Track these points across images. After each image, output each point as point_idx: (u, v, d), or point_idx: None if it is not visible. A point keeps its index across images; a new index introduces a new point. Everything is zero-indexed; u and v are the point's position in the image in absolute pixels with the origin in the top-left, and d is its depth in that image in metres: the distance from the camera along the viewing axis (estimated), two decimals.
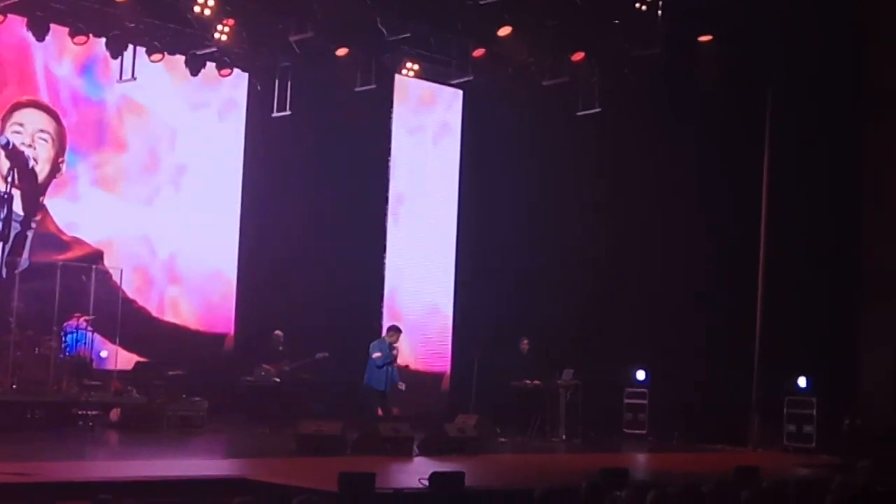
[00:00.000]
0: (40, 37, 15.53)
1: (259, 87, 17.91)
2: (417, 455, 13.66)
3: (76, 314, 15.68)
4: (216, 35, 15.92)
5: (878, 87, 16.38)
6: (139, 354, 16.79)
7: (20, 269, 16.01)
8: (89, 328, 15.78)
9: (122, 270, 16.74)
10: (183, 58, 16.67)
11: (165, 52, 16.42)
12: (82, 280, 16.06)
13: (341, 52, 16.71)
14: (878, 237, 16.37)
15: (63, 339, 15.50)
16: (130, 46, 16.23)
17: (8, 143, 16.17)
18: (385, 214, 19.40)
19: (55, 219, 16.84)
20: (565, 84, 17.48)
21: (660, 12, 15.87)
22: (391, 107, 19.33)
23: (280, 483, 9.96)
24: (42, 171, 16.73)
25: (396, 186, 19.55)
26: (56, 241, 16.74)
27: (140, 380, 16.03)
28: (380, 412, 15.23)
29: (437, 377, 19.17)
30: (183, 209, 17.88)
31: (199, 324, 18.09)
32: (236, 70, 17.31)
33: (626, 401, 18.15)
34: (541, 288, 18.87)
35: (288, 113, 17.60)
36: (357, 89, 17.29)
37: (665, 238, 17.88)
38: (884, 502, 7.11)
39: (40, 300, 15.48)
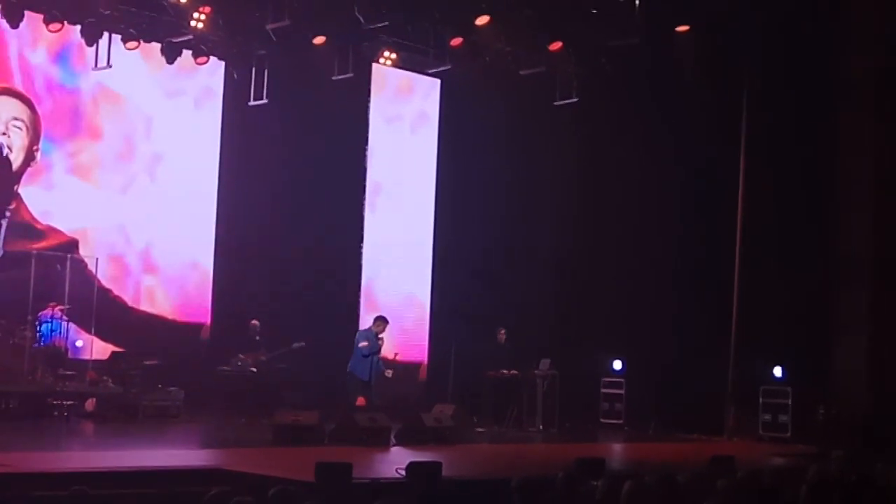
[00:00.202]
0: (14, 23, 15.37)
1: (236, 76, 17.81)
2: (394, 445, 13.67)
3: (51, 303, 15.59)
4: (192, 23, 15.83)
5: (850, 77, 16.46)
6: (115, 344, 16.71)
7: None
8: (64, 318, 15.69)
9: (97, 259, 16.65)
10: (159, 45, 16.55)
11: (141, 40, 16.29)
12: (57, 269, 15.96)
13: (318, 40, 16.64)
14: (852, 226, 16.47)
15: (38, 328, 15.40)
16: (106, 34, 16.09)
17: None
18: (362, 204, 19.35)
19: (29, 207, 16.71)
20: (543, 74, 17.49)
21: (637, 2, 15.87)
22: (368, 96, 19.27)
23: (256, 473, 9.94)
24: (16, 159, 16.60)
25: (374, 176, 19.51)
26: (30, 229, 16.62)
27: (116, 370, 15.95)
28: (361, 401, 15.25)
29: (414, 367, 19.15)
30: (159, 198, 17.78)
31: (175, 313, 18.02)
32: (213, 58, 17.19)
33: (603, 391, 18.21)
34: (518, 278, 18.89)
35: (265, 101, 17.52)
36: (334, 78, 17.23)
37: (641, 228, 17.93)
38: (858, 491, 7.15)
39: (14, 289, 15.38)
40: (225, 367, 16.47)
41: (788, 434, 16.29)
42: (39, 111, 16.82)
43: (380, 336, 15.56)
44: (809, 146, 16.62)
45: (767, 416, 16.58)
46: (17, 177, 16.65)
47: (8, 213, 16.43)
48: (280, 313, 17.36)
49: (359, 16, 15.98)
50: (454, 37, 16.98)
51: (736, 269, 17.15)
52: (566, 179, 18.72)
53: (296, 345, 16.49)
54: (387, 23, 16.34)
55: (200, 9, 15.64)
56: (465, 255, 19.39)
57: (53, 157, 17.01)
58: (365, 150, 19.38)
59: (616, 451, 15.39)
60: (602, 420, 18.01)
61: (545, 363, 17.14)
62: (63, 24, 15.55)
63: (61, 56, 16.93)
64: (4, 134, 16.42)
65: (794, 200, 16.67)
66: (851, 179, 16.52)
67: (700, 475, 7.63)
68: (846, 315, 16.37)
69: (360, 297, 19.14)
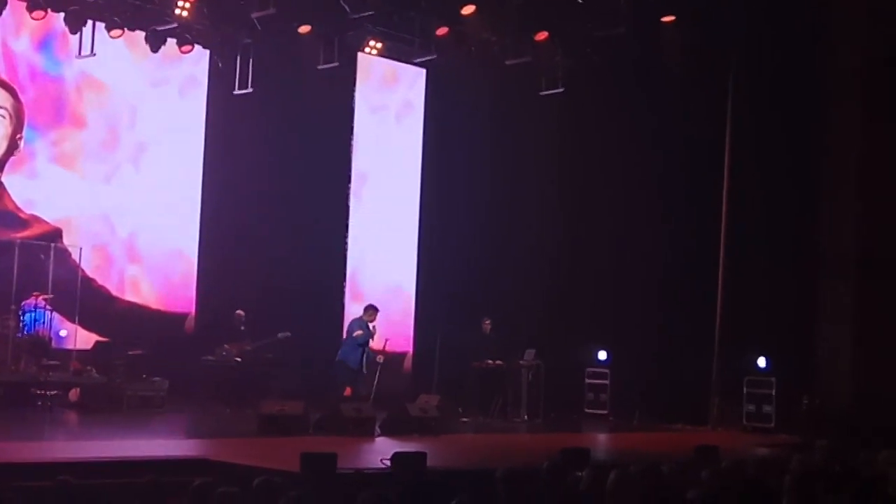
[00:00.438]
0: None
1: (220, 65, 17.73)
2: (379, 435, 13.66)
3: (34, 293, 15.52)
4: (177, 11, 15.76)
5: (837, 68, 16.49)
6: (99, 334, 16.66)
7: None
8: (48, 307, 15.62)
9: (81, 249, 16.58)
10: (143, 34, 16.46)
11: (125, 28, 16.18)
12: (41, 258, 15.89)
13: (304, 29, 16.59)
14: (837, 217, 16.52)
15: (21, 318, 15.33)
16: (90, 21, 16.00)
17: None
18: (347, 193, 19.32)
19: (13, 196, 16.62)
20: (528, 64, 17.47)
21: None
22: (354, 85, 19.23)
23: (241, 463, 9.92)
24: None
25: (359, 165, 19.48)
26: (14, 218, 16.53)
27: (100, 359, 15.90)
28: (349, 391, 15.27)
29: (399, 357, 19.14)
30: (143, 187, 17.70)
31: (159, 303, 17.96)
32: (197, 47, 17.11)
33: (588, 381, 18.23)
34: (503, 268, 18.90)
35: (250, 90, 17.46)
36: (320, 67, 17.18)
37: (627, 219, 17.95)
38: (842, 481, 7.18)
39: None
40: (210, 357, 16.43)
41: (772, 424, 16.35)
42: (23, 99, 16.73)
43: (372, 324, 15.60)
44: (795, 138, 16.65)
45: (751, 407, 16.63)
46: (0, 165, 16.56)
47: None
48: (265, 303, 17.32)
49: (344, 5, 15.95)
50: (440, 26, 16.96)
51: (721, 260, 17.19)
52: (552, 170, 18.72)
53: (281, 335, 16.46)
54: (372, 12, 16.30)
55: None
56: (450, 246, 19.38)
57: (37, 146, 16.92)
58: (350, 139, 19.35)
59: (601, 442, 15.42)
60: (587, 410, 18.04)
61: (530, 353, 17.17)
62: (46, 11, 15.45)
63: (45, 44, 16.83)
64: None
65: (779, 192, 16.71)
66: (837, 172, 16.57)
67: (684, 465, 7.66)
68: (830, 306, 16.43)
69: (345, 287, 19.12)
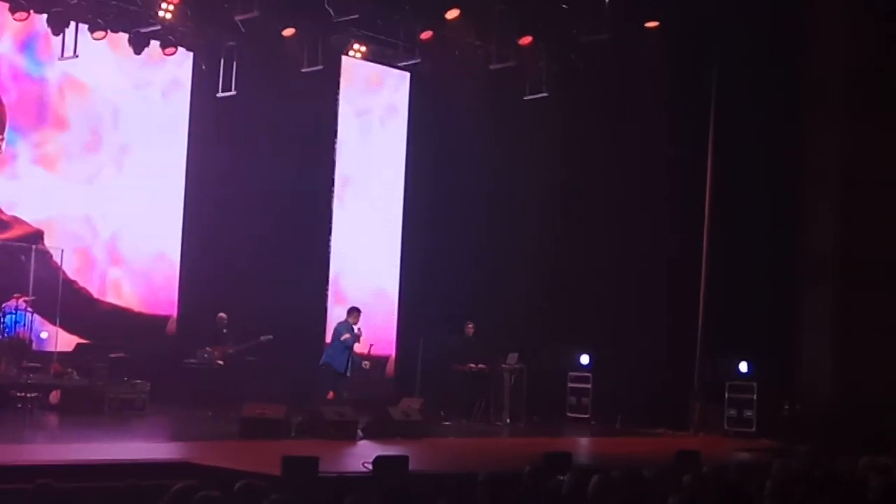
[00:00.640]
0: None
1: (204, 67, 17.69)
2: (361, 439, 13.65)
3: (15, 295, 15.44)
4: (160, 13, 15.71)
5: (817, 74, 16.57)
6: (80, 336, 16.59)
7: None
8: (29, 309, 15.55)
9: (62, 251, 16.51)
10: (126, 36, 16.40)
11: (108, 30, 16.12)
12: (21, 260, 15.82)
13: (288, 32, 16.57)
14: (818, 222, 16.60)
15: (2, 320, 15.26)
16: (73, 23, 15.92)
17: None
18: (331, 196, 19.29)
19: None
20: (512, 68, 17.50)
21: None
22: (338, 88, 19.23)
23: (223, 467, 9.90)
24: None
25: (343, 168, 19.46)
26: None
27: (81, 362, 15.83)
28: (332, 395, 15.26)
29: (381, 360, 19.13)
30: (125, 189, 17.63)
31: (141, 305, 17.90)
32: (181, 49, 17.06)
33: (570, 385, 18.27)
34: (486, 272, 18.92)
35: (233, 93, 17.42)
36: (303, 70, 17.17)
37: (609, 223, 18.00)
38: (822, 487, 7.21)
39: None
40: (191, 360, 16.37)
41: (753, 429, 16.40)
42: (5, 101, 16.65)
43: (356, 326, 15.60)
44: (776, 143, 16.73)
45: (733, 412, 16.69)
46: None
47: None
48: (247, 306, 17.26)
49: (328, 8, 15.94)
50: (424, 30, 16.97)
51: (703, 265, 17.24)
52: (534, 174, 18.75)
53: (263, 338, 16.42)
54: (356, 15, 16.30)
55: None
56: (433, 249, 19.39)
57: (19, 148, 16.84)
58: (334, 142, 19.33)
59: (583, 446, 15.44)
60: (569, 414, 18.07)
61: (513, 357, 17.18)
62: (29, 13, 15.39)
63: (27, 45, 16.76)
64: None
65: (761, 197, 16.78)
66: (818, 176, 16.65)
67: (666, 470, 7.68)
68: (812, 311, 16.51)
69: (327, 291, 19.10)
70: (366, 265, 19.58)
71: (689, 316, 17.12)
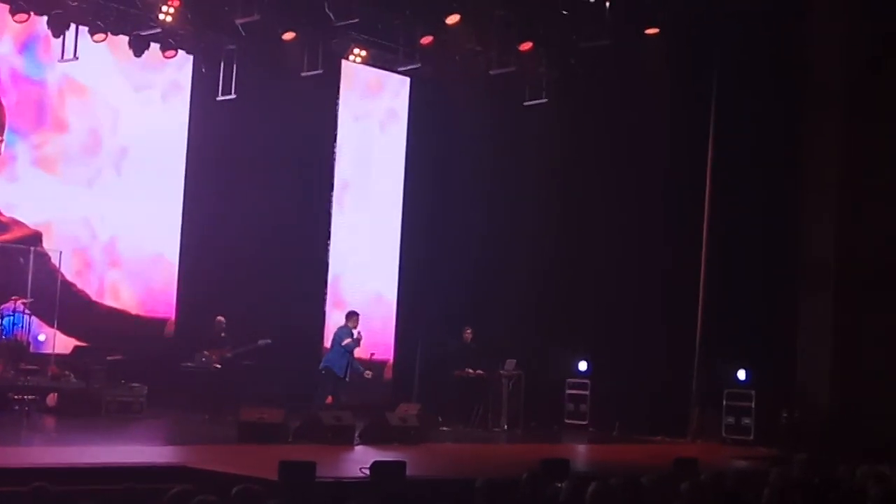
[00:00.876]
0: None
1: (204, 70, 17.70)
2: (359, 444, 13.63)
3: (13, 297, 15.43)
4: (161, 16, 15.70)
5: (817, 82, 16.57)
6: (78, 339, 16.57)
7: None
8: (27, 311, 15.54)
9: (60, 253, 16.50)
10: (126, 38, 16.40)
11: (109, 32, 16.11)
12: (20, 262, 15.81)
13: (288, 36, 16.57)
14: (817, 230, 16.58)
15: None
16: (73, 25, 15.91)
17: None
18: (330, 201, 19.28)
19: None
20: (513, 74, 17.50)
21: (608, 5, 15.93)
22: (338, 92, 19.22)
23: (220, 471, 9.88)
24: None
25: (342, 173, 19.45)
26: None
27: (78, 364, 15.81)
28: (330, 399, 15.25)
29: (379, 365, 19.11)
30: (125, 192, 17.62)
31: (139, 308, 17.88)
32: (181, 52, 17.07)
33: (568, 391, 18.24)
34: (485, 277, 18.91)
35: (233, 97, 17.42)
36: (303, 74, 17.17)
37: (608, 230, 17.98)
38: (820, 495, 7.20)
39: None
40: (189, 364, 16.34)
41: (751, 437, 16.37)
42: (4, 102, 16.64)
43: (356, 330, 15.61)
44: (776, 150, 16.72)
45: (731, 419, 16.66)
46: None
47: None
48: (246, 310, 17.24)
49: (329, 12, 15.93)
50: (424, 35, 16.96)
51: (702, 272, 17.22)
52: (534, 180, 18.75)
53: (261, 342, 16.39)
54: (357, 20, 16.29)
55: (169, 2, 15.51)
56: (431, 255, 19.38)
57: (18, 149, 16.83)
58: (333, 147, 19.33)
59: (580, 453, 15.42)
60: (567, 421, 18.04)
61: (511, 363, 17.16)
62: (29, 14, 15.38)
63: (27, 47, 16.76)
64: None
65: (760, 204, 16.77)
66: (817, 184, 16.63)
67: (664, 477, 7.66)
68: (810, 319, 16.48)
69: (326, 295, 19.08)
70: (364, 270, 19.56)
71: (687, 323, 17.11)
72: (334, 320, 17.67)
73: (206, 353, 16.32)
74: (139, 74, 17.63)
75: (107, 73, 17.36)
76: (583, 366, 18.29)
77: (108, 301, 17.62)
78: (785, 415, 16.09)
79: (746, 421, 16.51)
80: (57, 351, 16.12)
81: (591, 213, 18.25)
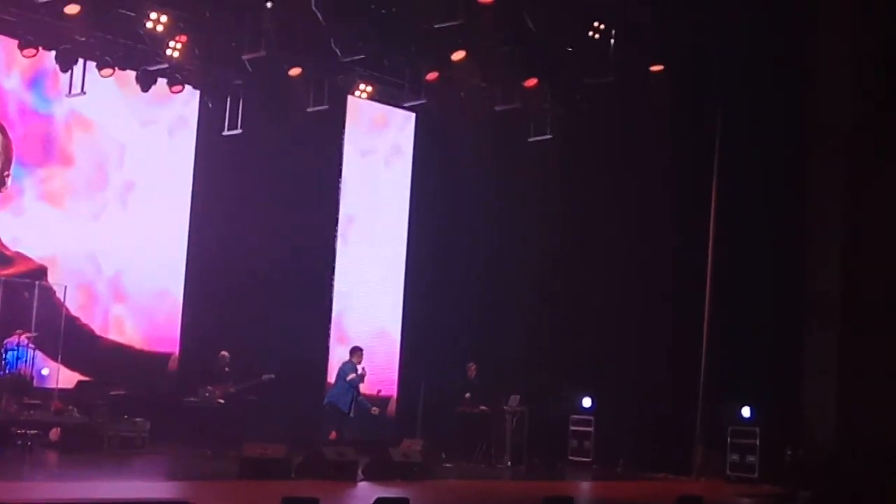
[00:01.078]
0: None
1: (210, 105, 17.80)
2: (362, 480, 13.58)
3: (18, 331, 15.45)
4: (168, 51, 15.81)
5: (822, 118, 16.59)
6: (82, 373, 16.55)
7: None
8: (31, 345, 15.54)
9: (65, 287, 16.52)
10: (134, 73, 16.52)
11: (116, 67, 16.23)
12: (25, 296, 15.82)
13: (294, 71, 16.66)
14: (822, 267, 16.54)
15: (3, 355, 15.25)
16: (81, 60, 16.04)
17: None
18: (335, 235, 19.31)
19: None
20: (517, 110, 17.58)
21: (612, 42, 16.01)
22: (343, 128, 19.30)
23: None
24: None
25: (347, 207, 19.50)
26: None
27: (82, 399, 15.78)
28: (334, 435, 15.22)
29: (383, 401, 19.05)
30: (130, 226, 17.67)
31: (143, 343, 17.88)
32: (188, 87, 17.18)
33: (572, 428, 18.18)
34: (489, 314, 18.89)
35: (239, 131, 17.50)
36: (309, 109, 17.25)
37: (612, 267, 17.97)
38: None
39: None
40: (192, 399, 16.32)
41: (756, 475, 16.28)
42: (11, 136, 16.73)
43: (360, 366, 15.66)
44: (780, 186, 16.73)
45: (735, 457, 16.58)
46: None
47: None
48: (249, 345, 17.24)
49: (335, 48, 16.02)
50: (430, 71, 17.05)
51: (706, 309, 17.20)
52: (539, 216, 18.77)
53: (265, 377, 16.38)
54: (363, 56, 16.38)
55: (176, 38, 15.63)
56: (436, 290, 19.37)
57: (24, 183, 16.89)
58: (338, 182, 19.38)
59: (584, 490, 15.35)
60: (570, 457, 17.98)
61: (514, 399, 17.12)
62: (38, 50, 15.51)
63: (35, 82, 16.86)
64: None
65: (764, 241, 16.76)
66: (821, 220, 16.61)
67: None
68: (815, 356, 16.40)
69: (330, 330, 19.06)
70: (368, 305, 19.56)
71: (691, 360, 17.06)
72: (338, 356, 17.65)
73: (209, 388, 16.31)
74: (146, 109, 17.72)
75: (114, 108, 17.46)
76: (587, 402, 18.23)
77: (113, 336, 17.61)
78: (790, 452, 15.99)
79: (751, 458, 16.44)
80: (60, 385, 16.10)
81: (595, 249, 18.25)
